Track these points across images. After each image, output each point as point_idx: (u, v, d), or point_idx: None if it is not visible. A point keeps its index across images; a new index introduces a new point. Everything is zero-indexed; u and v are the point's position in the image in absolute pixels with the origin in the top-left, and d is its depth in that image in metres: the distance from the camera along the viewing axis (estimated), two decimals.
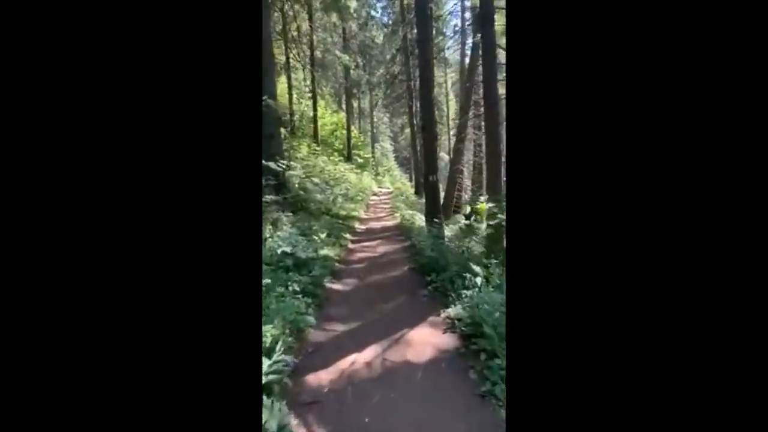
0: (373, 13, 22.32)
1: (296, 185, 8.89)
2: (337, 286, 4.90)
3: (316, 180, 11.26)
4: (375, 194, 17.18)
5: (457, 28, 19.09)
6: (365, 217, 11.14)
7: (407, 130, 27.90)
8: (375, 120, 29.86)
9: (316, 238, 6.40)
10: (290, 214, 7.38)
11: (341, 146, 21.30)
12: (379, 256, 6.65)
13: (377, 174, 23.74)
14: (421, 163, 19.83)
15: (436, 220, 8.19)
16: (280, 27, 16.15)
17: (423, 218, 11.10)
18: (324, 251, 6.03)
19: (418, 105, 20.20)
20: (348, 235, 8.16)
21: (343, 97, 22.85)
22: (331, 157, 17.13)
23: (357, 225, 9.67)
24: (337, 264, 5.79)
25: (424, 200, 16.71)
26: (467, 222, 14.17)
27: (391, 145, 36.29)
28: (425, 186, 9.45)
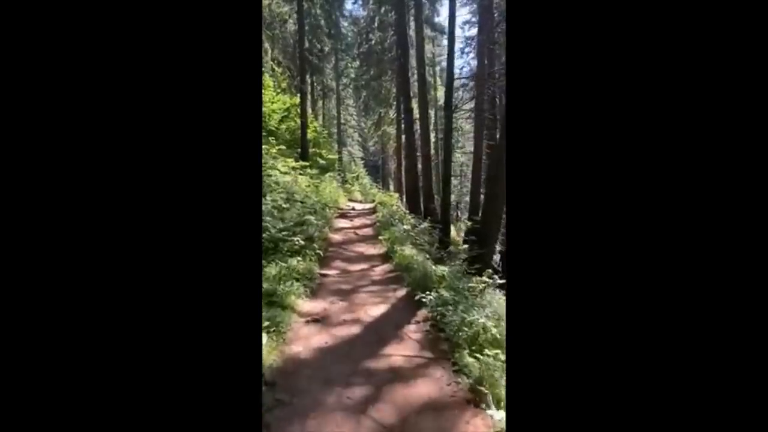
0: None
1: None
2: None
3: None
4: (343, 214, 8.88)
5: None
6: (320, 308, 2.82)
7: (385, 128, 19.83)
8: (342, 121, 21.42)
9: None
10: None
11: (292, 139, 12.87)
12: None
13: (345, 182, 15.41)
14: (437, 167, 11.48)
15: None
16: None
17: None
18: None
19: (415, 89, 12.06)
20: None
21: (301, 79, 14.07)
22: (272, 150, 8.84)
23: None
24: None
25: (428, 222, 4.48)
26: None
27: (360, 150, 28.05)
28: None
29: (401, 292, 3.68)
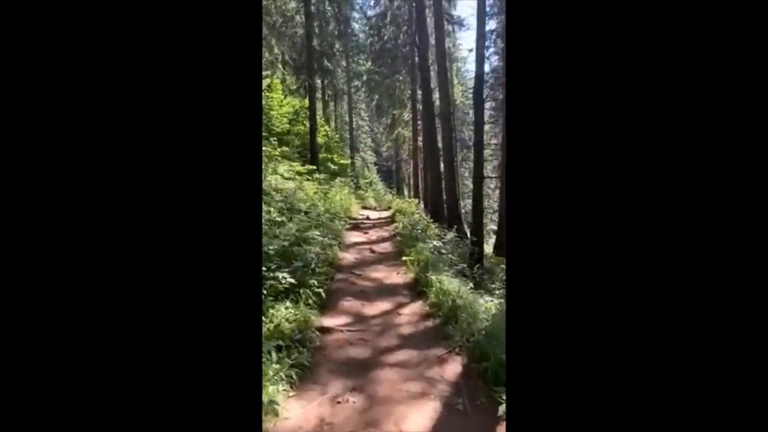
0: None
1: None
2: None
3: None
4: (356, 225, 7.40)
5: None
6: (313, 420, 1.36)
7: (400, 130, 18.29)
8: (354, 126, 20.02)
9: None
10: None
11: (301, 144, 11.53)
12: None
13: (358, 188, 13.96)
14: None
15: None
16: None
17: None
18: None
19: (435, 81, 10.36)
20: None
21: (312, 82, 12.67)
22: (274, 152, 7.55)
23: None
24: None
25: (455, 232, 3.36)
26: None
27: (372, 155, 26.60)
28: None
29: (453, 366, 2.13)
